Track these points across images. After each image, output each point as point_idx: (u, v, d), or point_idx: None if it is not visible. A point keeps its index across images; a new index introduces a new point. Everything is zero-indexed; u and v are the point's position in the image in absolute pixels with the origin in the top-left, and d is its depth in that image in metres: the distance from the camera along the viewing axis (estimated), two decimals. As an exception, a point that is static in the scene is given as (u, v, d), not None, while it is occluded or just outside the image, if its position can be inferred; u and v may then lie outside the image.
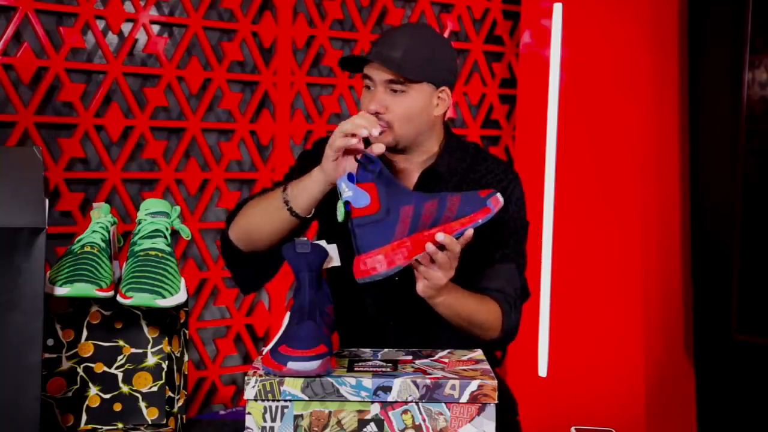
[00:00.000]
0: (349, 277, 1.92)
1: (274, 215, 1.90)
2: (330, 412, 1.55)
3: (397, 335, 2.00)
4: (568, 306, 3.48)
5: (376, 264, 1.67)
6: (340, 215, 1.71)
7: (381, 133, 1.85)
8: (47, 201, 1.50)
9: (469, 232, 1.73)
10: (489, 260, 1.98)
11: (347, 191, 1.69)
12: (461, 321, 1.87)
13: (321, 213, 2.10)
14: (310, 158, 2.04)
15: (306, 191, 1.86)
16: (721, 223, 3.55)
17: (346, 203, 1.70)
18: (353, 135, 1.78)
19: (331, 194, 1.98)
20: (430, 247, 1.70)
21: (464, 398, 1.55)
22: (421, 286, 1.77)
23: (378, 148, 1.78)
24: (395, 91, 1.93)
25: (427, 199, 1.73)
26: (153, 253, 1.69)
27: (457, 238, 1.72)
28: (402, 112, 1.94)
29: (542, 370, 3.51)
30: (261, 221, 1.93)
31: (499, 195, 1.76)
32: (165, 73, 3.10)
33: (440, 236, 1.70)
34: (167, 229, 1.75)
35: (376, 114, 1.92)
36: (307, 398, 1.54)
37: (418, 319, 1.98)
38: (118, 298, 1.61)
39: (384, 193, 1.70)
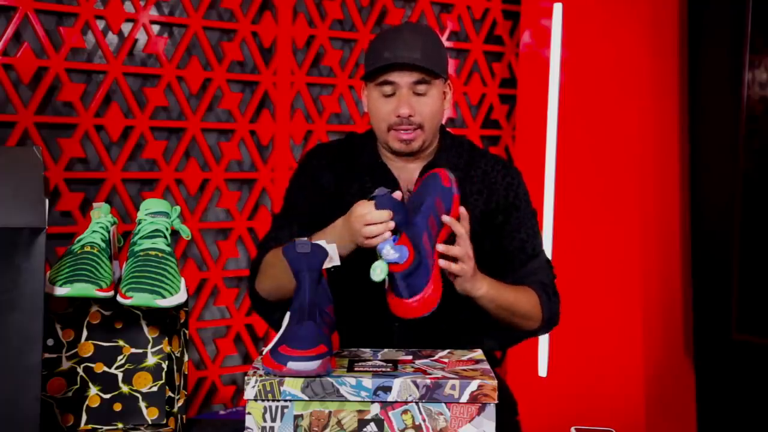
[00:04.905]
0: (350, 276, 1.92)
1: None
2: (330, 412, 1.55)
3: (403, 335, 2.00)
4: (568, 306, 3.46)
5: (434, 301, 1.75)
6: (382, 274, 1.72)
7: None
8: (47, 201, 1.50)
9: (462, 211, 1.86)
10: (520, 261, 2.05)
11: (393, 254, 1.73)
12: (504, 312, 1.94)
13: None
14: (305, 177, 2.10)
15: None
16: (721, 223, 3.55)
17: (388, 263, 1.73)
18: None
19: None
20: (440, 247, 1.79)
21: (464, 398, 1.55)
22: (458, 284, 1.86)
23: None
24: (418, 93, 1.97)
25: (427, 216, 1.79)
26: (153, 253, 1.69)
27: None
28: (429, 112, 1.99)
29: (542, 370, 3.51)
30: (287, 278, 1.84)
31: (449, 172, 1.88)
32: (165, 73, 3.10)
33: (446, 219, 1.82)
34: (167, 229, 1.75)
35: (408, 117, 1.96)
36: (307, 398, 1.54)
37: (424, 318, 1.98)
38: (118, 298, 1.61)
39: (409, 234, 1.76)
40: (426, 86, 1.97)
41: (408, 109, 1.95)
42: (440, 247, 1.79)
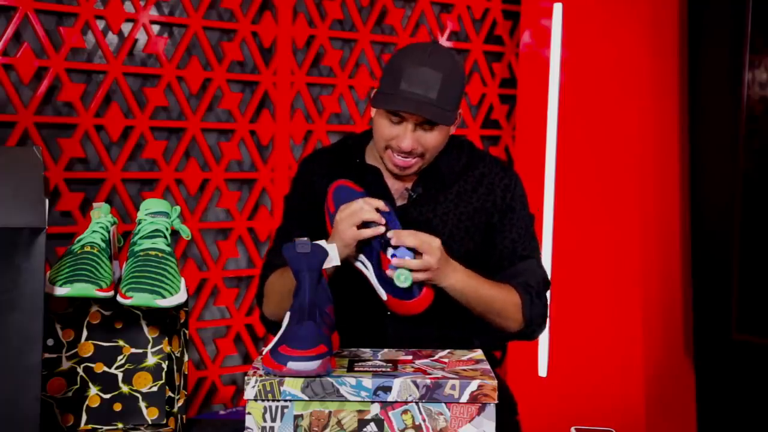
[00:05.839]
0: (350, 276, 1.92)
1: None
2: (330, 412, 1.55)
3: (396, 330, 2.00)
4: (568, 306, 3.48)
5: (430, 297, 1.88)
6: (407, 281, 1.83)
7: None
8: (47, 201, 1.50)
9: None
10: (509, 261, 2.03)
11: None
12: (478, 307, 1.94)
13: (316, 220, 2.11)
14: (302, 185, 2.13)
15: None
16: (721, 223, 3.55)
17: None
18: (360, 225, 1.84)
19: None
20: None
21: (464, 398, 1.55)
22: (423, 276, 1.86)
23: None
24: (425, 130, 1.94)
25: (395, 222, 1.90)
26: (153, 253, 1.69)
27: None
28: (432, 145, 1.97)
29: (542, 370, 3.51)
30: (290, 303, 1.89)
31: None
32: (165, 73, 3.10)
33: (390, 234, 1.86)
34: (167, 229, 1.75)
35: (410, 151, 1.95)
36: (307, 398, 1.54)
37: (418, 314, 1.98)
38: (118, 298, 1.61)
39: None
40: (434, 125, 1.94)
41: (411, 144, 1.93)
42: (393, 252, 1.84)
